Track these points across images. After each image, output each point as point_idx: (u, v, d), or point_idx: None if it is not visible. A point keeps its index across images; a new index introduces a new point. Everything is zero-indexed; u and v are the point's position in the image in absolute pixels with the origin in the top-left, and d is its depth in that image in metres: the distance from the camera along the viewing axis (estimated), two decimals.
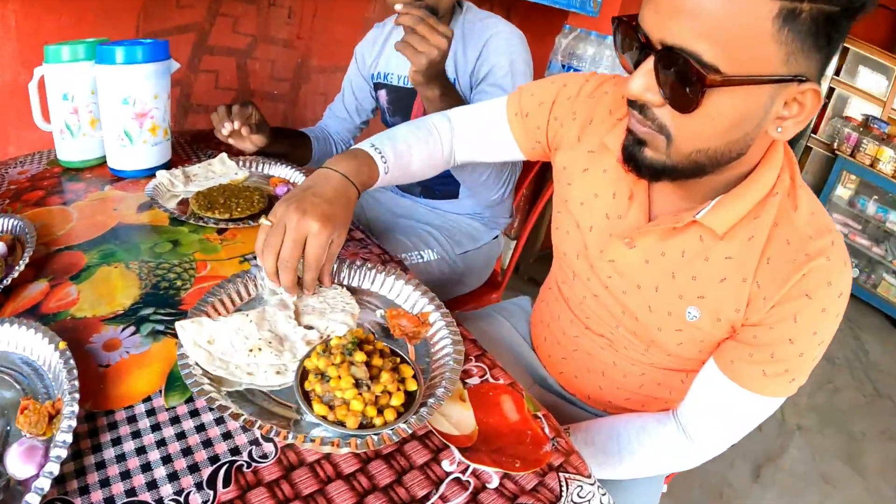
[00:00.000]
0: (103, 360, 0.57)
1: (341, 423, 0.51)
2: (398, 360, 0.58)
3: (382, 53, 1.19)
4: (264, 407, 0.54)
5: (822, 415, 2.07)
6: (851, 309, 2.34)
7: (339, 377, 0.53)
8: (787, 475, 1.76)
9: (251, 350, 0.58)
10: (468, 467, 0.52)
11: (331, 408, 0.52)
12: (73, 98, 0.95)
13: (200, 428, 0.51)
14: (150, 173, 0.96)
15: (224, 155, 1.05)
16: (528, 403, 0.61)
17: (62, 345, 0.53)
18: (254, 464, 0.49)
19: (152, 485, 0.45)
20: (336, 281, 0.74)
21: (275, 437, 0.50)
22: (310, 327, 0.64)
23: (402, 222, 1.27)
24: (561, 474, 0.53)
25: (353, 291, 0.72)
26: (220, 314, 0.64)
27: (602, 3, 1.99)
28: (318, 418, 0.52)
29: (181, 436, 0.50)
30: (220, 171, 1.02)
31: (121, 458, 0.47)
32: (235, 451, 0.50)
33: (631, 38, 0.53)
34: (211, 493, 0.46)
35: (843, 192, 3.13)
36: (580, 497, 0.51)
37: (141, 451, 0.48)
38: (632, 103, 0.56)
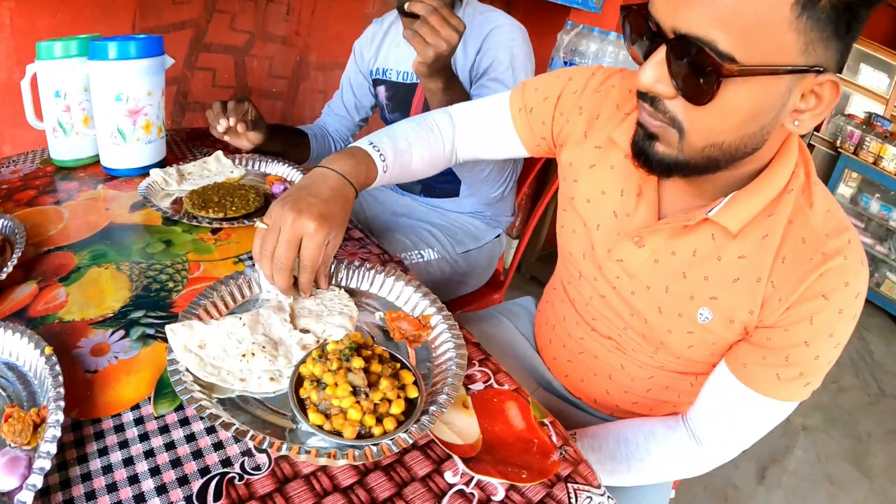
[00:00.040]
0: (91, 365, 0.55)
1: (338, 433, 0.49)
2: (398, 365, 0.56)
3: (381, 49, 1.17)
4: (257, 415, 0.52)
5: (828, 415, 2.06)
6: None
7: (336, 384, 0.51)
8: (792, 476, 1.74)
9: (244, 355, 0.56)
10: (472, 479, 0.50)
11: (327, 417, 0.50)
12: (65, 95, 0.93)
13: (191, 438, 0.49)
14: (143, 172, 0.94)
15: (220, 153, 1.03)
16: (535, 410, 0.59)
17: (48, 350, 0.51)
18: (246, 476, 0.47)
19: (139, 498, 0.43)
20: (334, 282, 0.71)
21: (268, 448, 0.47)
22: (306, 331, 0.62)
23: (402, 221, 1.24)
24: (569, 485, 0.51)
25: (352, 293, 0.70)
26: (212, 317, 0.62)
27: None
28: (313, 428, 0.49)
29: (170, 446, 0.48)
30: (215, 169, 1.00)
31: (107, 469, 0.45)
32: (227, 462, 0.48)
33: (641, 27, 0.51)
34: None
35: (845, 190, 3.11)
36: None
37: (128, 461, 0.46)
38: (642, 96, 0.53)
